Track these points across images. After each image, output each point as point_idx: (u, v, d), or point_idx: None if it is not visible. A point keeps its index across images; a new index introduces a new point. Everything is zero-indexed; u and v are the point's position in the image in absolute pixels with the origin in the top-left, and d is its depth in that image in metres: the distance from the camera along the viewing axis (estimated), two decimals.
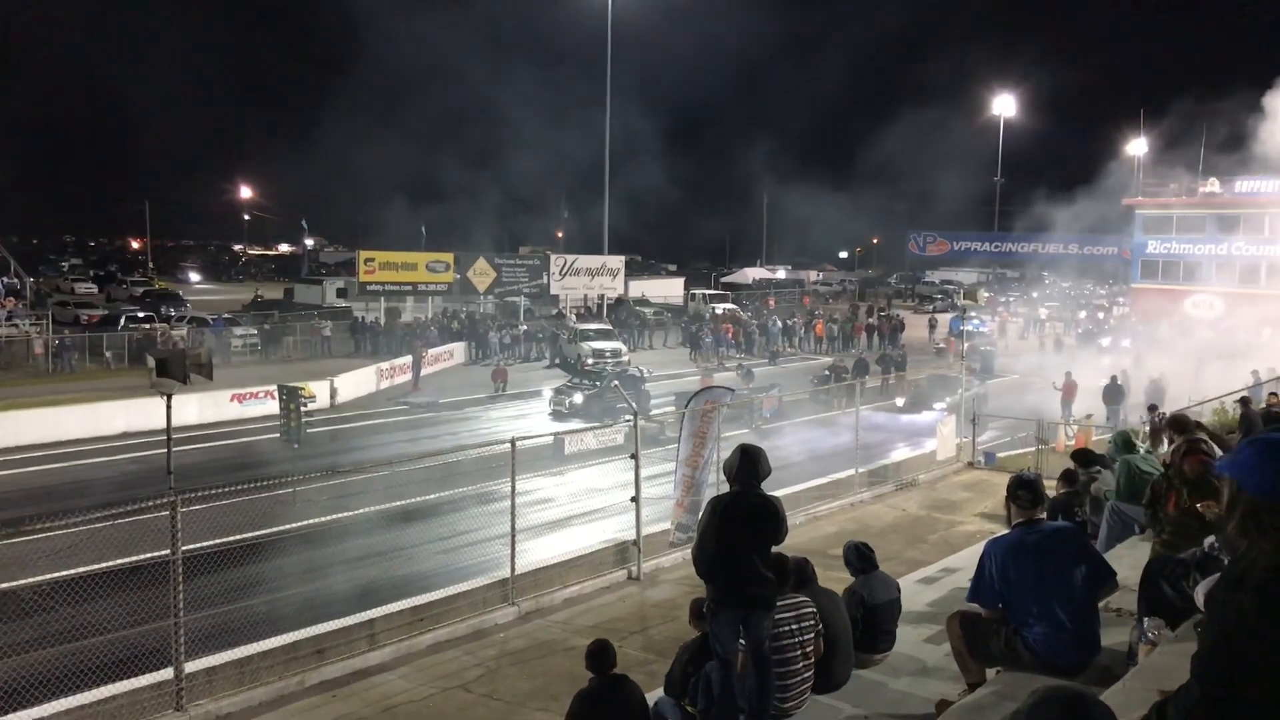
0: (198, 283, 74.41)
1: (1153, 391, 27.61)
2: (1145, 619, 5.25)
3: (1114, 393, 28.60)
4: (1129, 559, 7.34)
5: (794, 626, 6.65)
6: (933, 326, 54.37)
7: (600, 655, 6.47)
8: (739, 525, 6.26)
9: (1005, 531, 5.99)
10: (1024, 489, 5.79)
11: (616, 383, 26.53)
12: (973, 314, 58.45)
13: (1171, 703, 2.70)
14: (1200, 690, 2.56)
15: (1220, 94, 53.52)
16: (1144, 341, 46.40)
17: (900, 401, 28.82)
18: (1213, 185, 55.44)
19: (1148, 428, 14.93)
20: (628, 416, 26.29)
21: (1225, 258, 55.50)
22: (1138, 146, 69.75)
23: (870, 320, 53.91)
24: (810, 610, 6.85)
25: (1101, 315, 61.11)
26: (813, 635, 6.79)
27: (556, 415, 28.65)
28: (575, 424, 26.28)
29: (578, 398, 28.60)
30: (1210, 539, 5.88)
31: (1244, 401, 16.24)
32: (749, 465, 6.41)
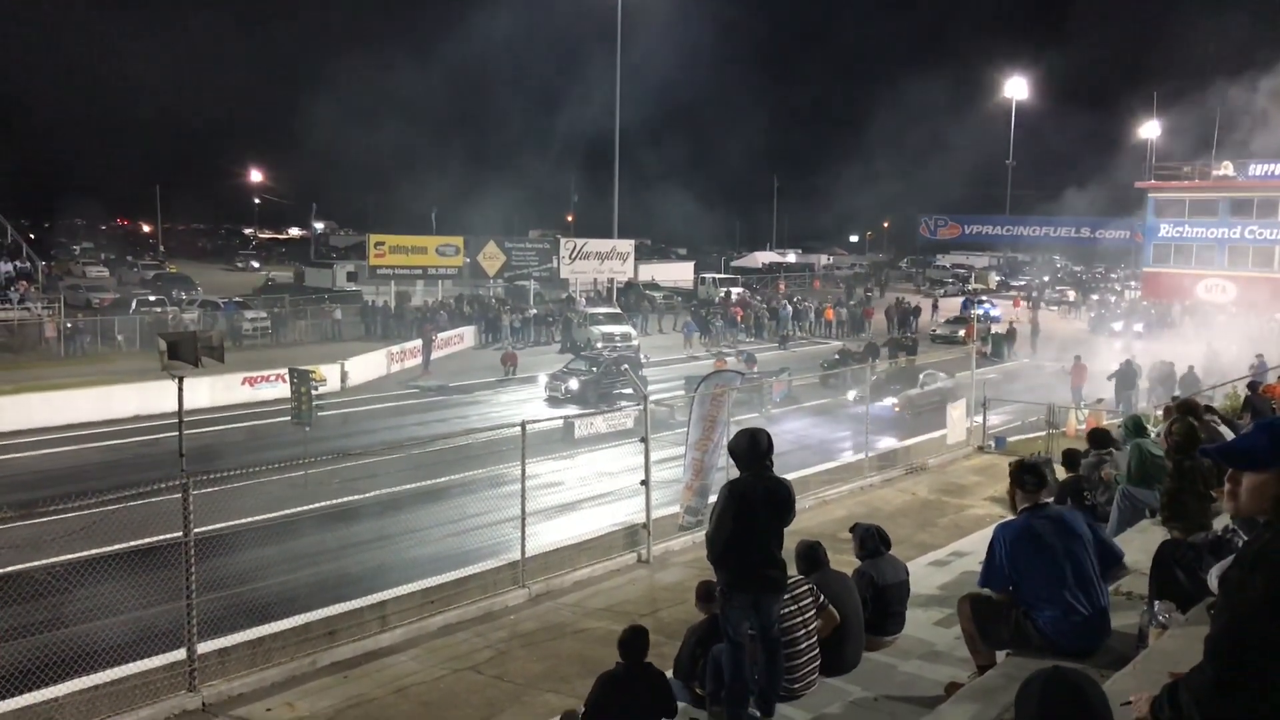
0: (258, 269, 73.33)
1: (1163, 377, 27.56)
2: (1156, 602, 5.24)
3: (1125, 377, 28.49)
4: (1140, 543, 7.32)
5: (793, 608, 6.67)
6: (935, 309, 54.23)
7: (629, 644, 6.52)
8: (756, 509, 6.25)
9: (1013, 516, 5.99)
10: (1029, 473, 5.78)
11: (626, 366, 26.53)
12: (984, 298, 58.42)
13: (1183, 684, 2.70)
14: (1213, 671, 2.55)
15: (1235, 76, 53.01)
16: (1156, 325, 46.29)
17: (852, 395, 26.90)
18: (1226, 168, 55.08)
19: (1160, 412, 14.88)
20: (623, 402, 26.43)
21: (1238, 241, 55.18)
22: (1150, 129, 69.47)
23: (852, 303, 53.83)
24: (806, 588, 6.88)
25: (1113, 299, 60.93)
26: (814, 613, 6.81)
27: (553, 401, 28.58)
28: (572, 409, 26.26)
29: (573, 383, 28.52)
30: (1226, 521, 5.86)
31: (1252, 386, 16.20)
32: (759, 449, 6.40)
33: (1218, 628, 2.63)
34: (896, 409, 25.79)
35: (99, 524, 13.21)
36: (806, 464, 18.08)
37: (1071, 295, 63.62)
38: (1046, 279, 73.29)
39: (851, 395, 26.87)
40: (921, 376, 28.25)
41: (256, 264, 76.52)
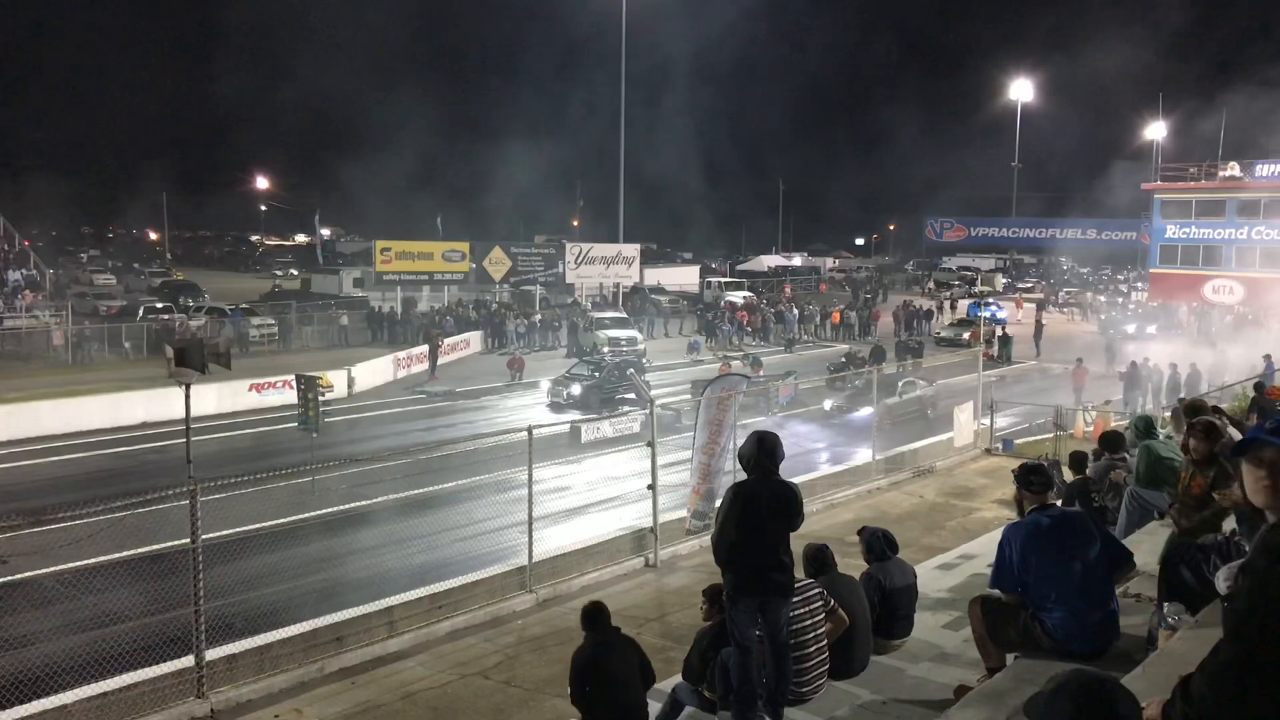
0: (294, 276, 71.91)
1: (1171, 378, 27.52)
2: (1165, 604, 5.22)
3: (1133, 378, 28.46)
4: (1149, 545, 7.30)
5: (803, 611, 6.66)
6: (941, 311, 54.13)
7: (594, 615, 6.88)
8: (761, 512, 6.25)
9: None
10: (1036, 475, 5.80)
11: (632, 370, 26.48)
12: (990, 300, 58.30)
13: (1197, 671, 2.70)
14: (1231, 652, 2.56)
15: (1241, 77, 53.04)
16: (1164, 326, 46.18)
17: (829, 405, 26.57)
18: (1233, 169, 54.93)
19: (1168, 414, 14.85)
20: (626, 406, 26.37)
21: (1246, 242, 55.01)
22: (1157, 130, 69.38)
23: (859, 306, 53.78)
24: (817, 592, 6.87)
25: (1120, 300, 60.80)
26: (823, 616, 6.80)
27: (555, 406, 28.39)
28: (575, 414, 26.18)
29: (575, 388, 28.35)
30: (1232, 525, 5.84)
31: (1258, 387, 16.20)
32: (767, 452, 6.39)
33: (1241, 609, 2.64)
34: (874, 418, 25.56)
35: (107, 531, 13.24)
36: (816, 467, 18.05)
37: (1088, 297, 63.41)
38: (1053, 281, 73.13)
39: (828, 405, 26.51)
40: (900, 385, 27.32)
41: (296, 271, 74.95)
